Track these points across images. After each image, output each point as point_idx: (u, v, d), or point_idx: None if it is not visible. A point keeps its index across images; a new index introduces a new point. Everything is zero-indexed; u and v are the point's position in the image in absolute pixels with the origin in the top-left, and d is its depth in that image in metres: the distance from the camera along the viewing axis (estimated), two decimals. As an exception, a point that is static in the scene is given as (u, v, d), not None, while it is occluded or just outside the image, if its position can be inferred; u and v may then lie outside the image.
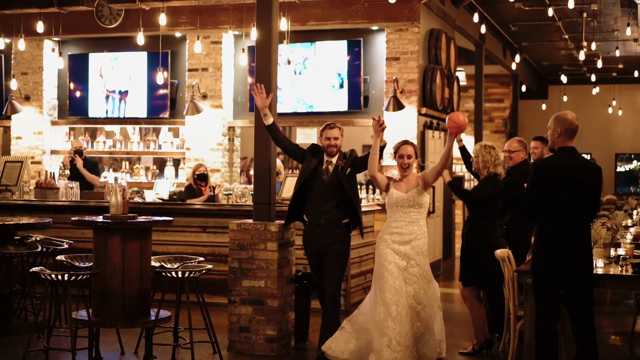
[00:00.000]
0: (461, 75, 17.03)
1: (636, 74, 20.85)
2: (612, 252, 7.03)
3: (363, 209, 9.83)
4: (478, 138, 15.73)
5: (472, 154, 7.70)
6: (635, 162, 24.21)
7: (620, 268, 6.52)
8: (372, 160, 6.59)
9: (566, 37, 16.68)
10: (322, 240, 6.88)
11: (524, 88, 22.00)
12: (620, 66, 20.61)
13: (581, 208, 5.75)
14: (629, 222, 10.86)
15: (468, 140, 17.73)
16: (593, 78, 20.41)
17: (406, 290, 6.33)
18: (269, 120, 6.99)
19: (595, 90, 21.79)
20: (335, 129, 6.94)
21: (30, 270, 6.92)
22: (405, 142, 6.67)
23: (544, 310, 5.80)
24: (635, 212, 12.43)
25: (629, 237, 8.82)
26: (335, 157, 6.96)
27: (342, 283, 7.21)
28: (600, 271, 6.44)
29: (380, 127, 6.47)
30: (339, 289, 7.06)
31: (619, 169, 23.99)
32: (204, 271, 6.82)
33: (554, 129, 5.84)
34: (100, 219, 6.80)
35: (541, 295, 5.83)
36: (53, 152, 13.88)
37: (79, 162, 11.58)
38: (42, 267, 6.95)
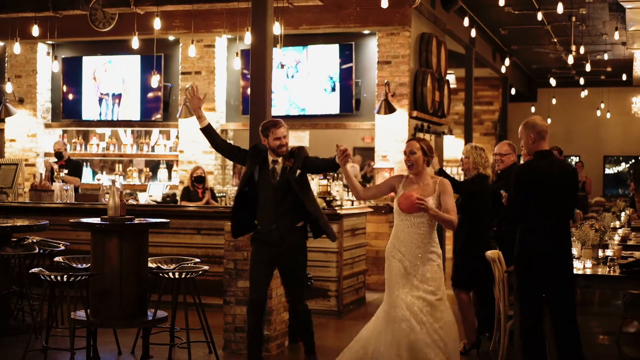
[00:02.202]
0: (451, 78, 17.16)
1: (624, 77, 21.04)
2: (600, 253, 7.16)
3: (354, 212, 10.00)
4: (468, 140, 15.87)
5: (458, 160, 7.76)
6: (623, 164, 24.41)
7: (608, 269, 6.66)
8: (352, 189, 6.20)
9: (555, 40, 16.84)
10: (274, 246, 6.46)
11: (513, 91, 22.16)
12: (609, 69, 20.79)
13: (561, 209, 5.92)
14: (617, 223, 11.02)
15: (458, 143, 17.89)
16: (582, 81, 20.59)
17: (426, 318, 5.81)
18: (204, 122, 6.72)
19: (584, 93, 21.96)
20: (283, 127, 6.47)
21: (30, 272, 7.01)
22: (412, 139, 6.17)
23: (528, 310, 5.92)
24: (623, 213, 12.58)
25: (616, 238, 8.97)
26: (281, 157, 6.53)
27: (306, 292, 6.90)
28: (588, 272, 6.59)
29: (345, 156, 6.10)
30: (305, 299, 6.73)
31: (607, 171, 24.18)
32: (200, 272, 6.93)
33: (527, 135, 5.98)
34: (98, 220, 6.88)
35: (525, 294, 5.96)
36: (47, 154, 13.92)
37: (55, 167, 11.57)
38: (41, 269, 7.03)
